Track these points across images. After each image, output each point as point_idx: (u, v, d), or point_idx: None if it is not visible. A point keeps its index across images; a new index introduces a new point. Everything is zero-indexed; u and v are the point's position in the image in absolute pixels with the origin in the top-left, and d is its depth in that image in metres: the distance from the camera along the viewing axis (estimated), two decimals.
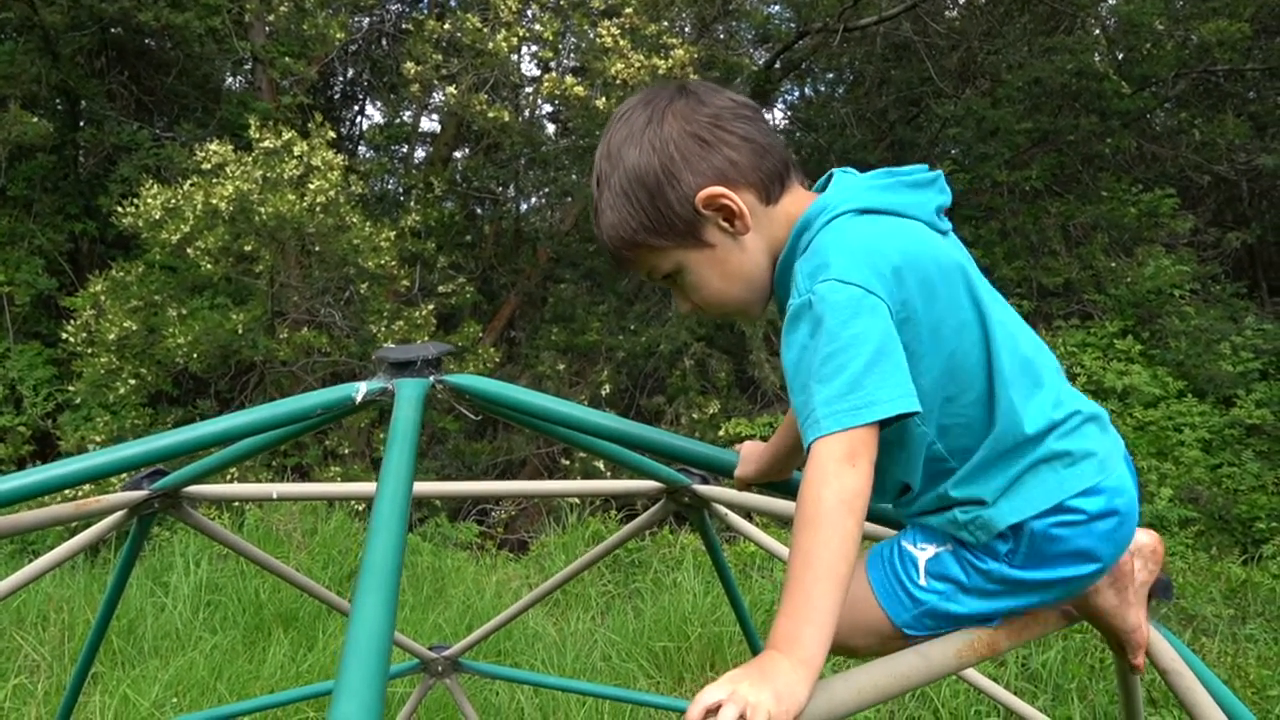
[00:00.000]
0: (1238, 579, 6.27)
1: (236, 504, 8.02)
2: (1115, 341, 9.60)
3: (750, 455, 1.82)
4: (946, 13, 13.76)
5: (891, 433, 1.30)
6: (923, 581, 1.40)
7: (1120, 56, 12.53)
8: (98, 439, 8.70)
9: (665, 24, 10.41)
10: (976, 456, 1.36)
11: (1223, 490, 8.14)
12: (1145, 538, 1.52)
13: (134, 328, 8.97)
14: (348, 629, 1.05)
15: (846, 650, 1.43)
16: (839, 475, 1.19)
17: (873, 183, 1.41)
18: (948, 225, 1.46)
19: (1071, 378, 8.98)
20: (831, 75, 15.26)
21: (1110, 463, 1.38)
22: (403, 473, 1.45)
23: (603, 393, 10.43)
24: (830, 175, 1.46)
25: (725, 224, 1.39)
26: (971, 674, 2.88)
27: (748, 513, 3.51)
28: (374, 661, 1.01)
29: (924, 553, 1.42)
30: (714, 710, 1.08)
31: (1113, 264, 10.84)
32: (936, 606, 1.39)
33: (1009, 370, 1.35)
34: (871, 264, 1.27)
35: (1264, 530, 7.60)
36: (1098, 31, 13.04)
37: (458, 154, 13.73)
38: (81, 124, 11.48)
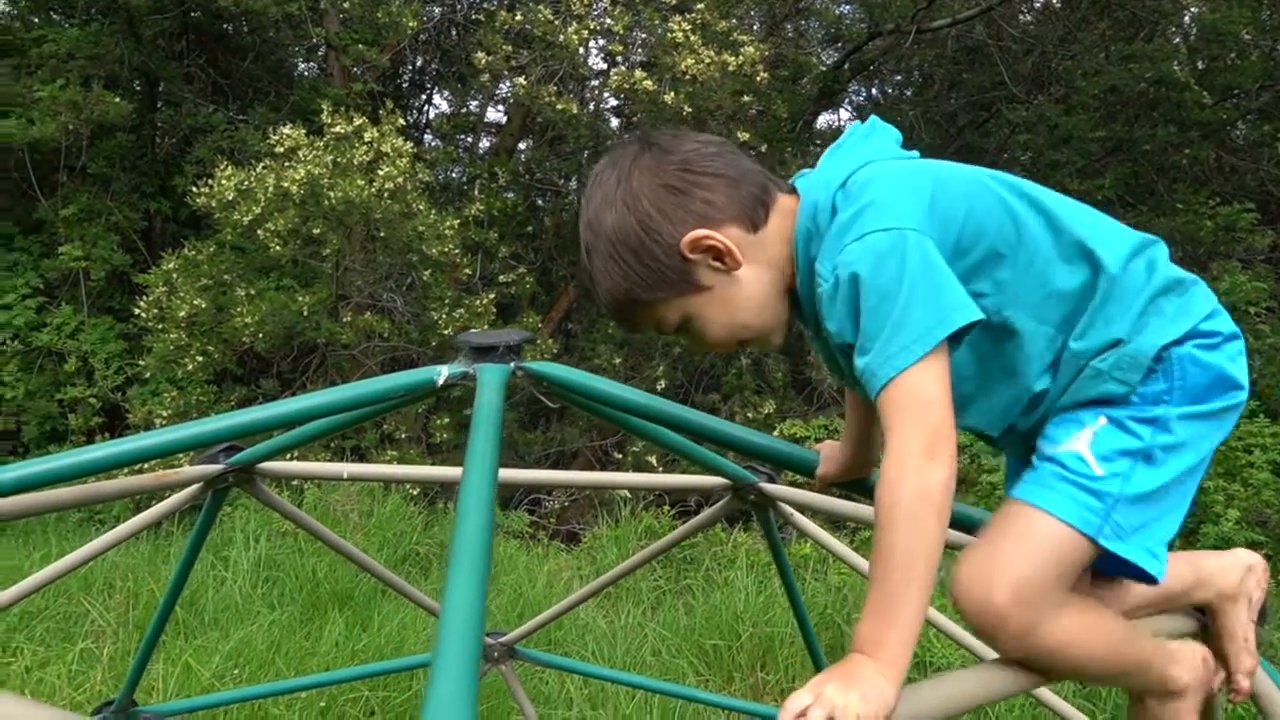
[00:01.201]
0: None
1: (295, 483, 8.17)
2: None
3: (830, 454, 1.81)
4: (1021, 17, 13.52)
5: (986, 341, 1.30)
6: (1098, 470, 1.28)
7: (1202, 66, 12.21)
8: (164, 413, 8.91)
9: (736, 20, 10.37)
10: (1090, 311, 1.33)
11: None
12: (1255, 557, 1.50)
13: (203, 306, 9.16)
14: (442, 608, 1.06)
15: (1040, 617, 1.24)
16: (919, 471, 1.16)
17: (841, 154, 1.43)
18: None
19: None
20: (900, 77, 15.09)
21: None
22: (488, 456, 1.46)
23: (658, 388, 10.42)
24: (792, 184, 1.46)
25: (716, 264, 1.39)
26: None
27: (806, 512, 3.48)
28: (469, 640, 1.02)
29: (1078, 441, 1.31)
30: (803, 714, 1.08)
31: None
32: (1125, 492, 1.28)
33: (1066, 217, 1.35)
34: (882, 207, 1.28)
35: None
36: (1178, 40, 12.73)
37: (522, 145, 13.80)
38: (160, 105, 11.76)
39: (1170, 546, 1.38)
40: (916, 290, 1.21)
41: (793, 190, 1.45)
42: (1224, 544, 7.43)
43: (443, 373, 1.84)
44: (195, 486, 2.62)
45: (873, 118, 1.49)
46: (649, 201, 1.37)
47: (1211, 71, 12.01)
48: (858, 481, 1.81)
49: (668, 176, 1.39)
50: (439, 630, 1.04)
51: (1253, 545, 7.46)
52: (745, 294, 1.41)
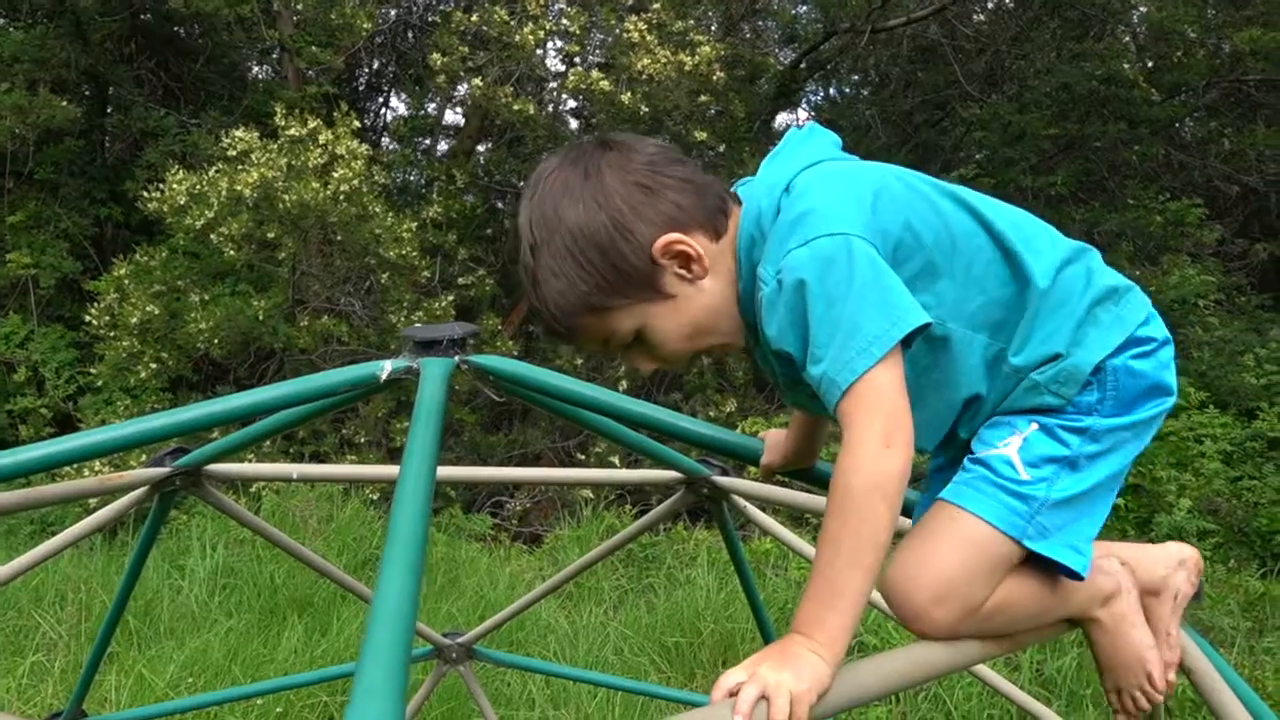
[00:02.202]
0: (1256, 592, 6.21)
1: (253, 490, 8.07)
2: None
3: (774, 443, 1.81)
4: (975, 16, 13.68)
5: (926, 353, 1.30)
6: (1024, 475, 1.29)
7: (1150, 64, 12.43)
8: (118, 422, 8.76)
9: (693, 21, 10.40)
10: (1026, 322, 1.33)
11: (1243, 503, 8.06)
12: (1188, 551, 1.51)
13: (156, 312, 9.02)
14: (375, 594, 1.05)
15: (971, 615, 1.27)
16: (875, 460, 1.17)
17: (781, 160, 1.42)
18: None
19: None
20: (857, 76, 15.21)
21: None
22: (428, 448, 1.45)
23: (620, 387, 10.41)
24: (735, 192, 1.44)
25: (683, 270, 1.34)
26: (987, 673, 2.86)
27: (765, 507, 3.50)
28: (400, 629, 1.01)
29: (1008, 446, 1.32)
30: (735, 691, 1.08)
31: (1137, 272, 10.74)
32: (1050, 496, 1.29)
33: (1001, 224, 1.35)
34: (835, 207, 1.26)
35: None
36: (1128, 38, 12.95)
37: (481, 147, 13.75)
38: (109, 109, 11.57)
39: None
40: (866, 295, 1.20)
41: (738, 200, 1.42)
42: (1176, 533, 7.56)
43: (386, 367, 1.83)
44: (141, 490, 2.57)
45: (811, 123, 1.47)
46: (621, 199, 1.31)
47: (1159, 69, 12.24)
48: (803, 470, 1.81)
49: (638, 175, 1.34)
50: (370, 614, 1.03)
51: (1204, 534, 7.61)
52: (706, 304, 1.37)
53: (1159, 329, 1.39)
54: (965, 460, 1.36)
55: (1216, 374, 9.40)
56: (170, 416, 1.82)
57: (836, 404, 1.21)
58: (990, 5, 13.97)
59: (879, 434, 1.17)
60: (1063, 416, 1.33)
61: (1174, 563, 1.49)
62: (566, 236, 1.31)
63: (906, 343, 1.22)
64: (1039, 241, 1.38)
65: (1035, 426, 1.33)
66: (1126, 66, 11.92)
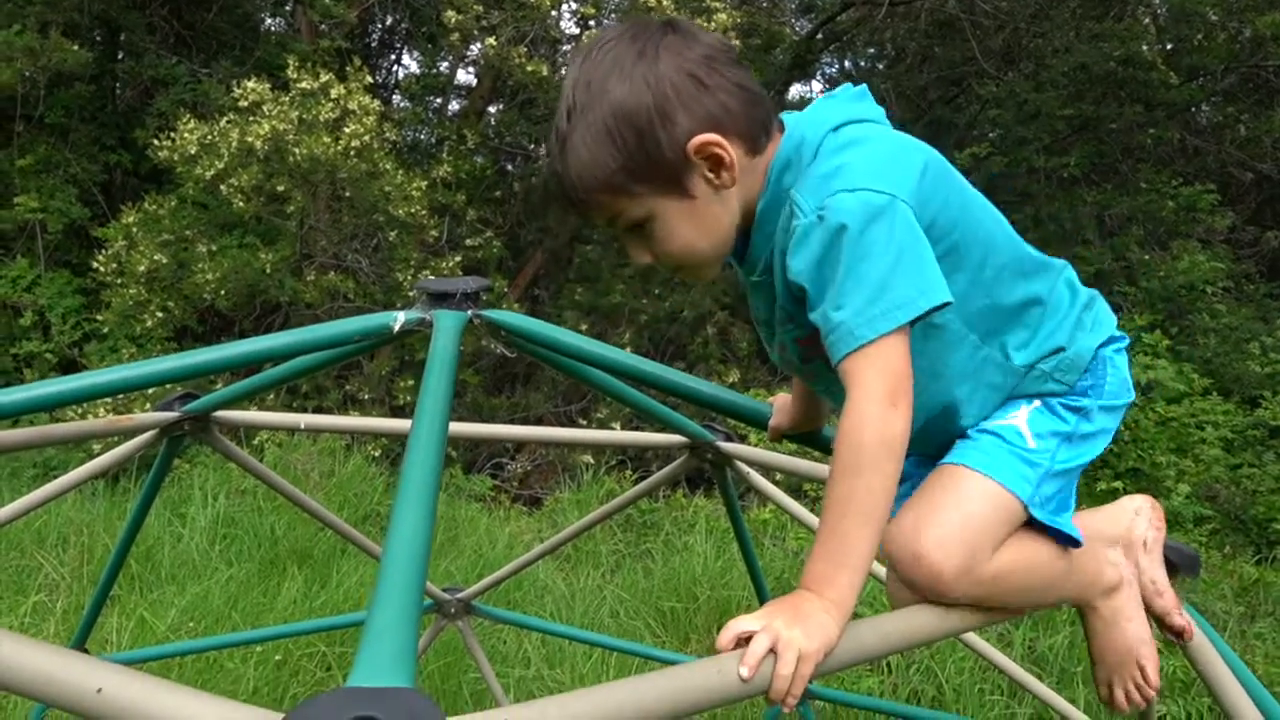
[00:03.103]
0: (1250, 578, 6.24)
1: (255, 442, 8.11)
2: (1143, 335, 9.50)
3: (783, 407, 1.82)
4: None
5: (919, 338, 1.28)
6: (1032, 443, 1.37)
7: (1169, 46, 12.31)
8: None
9: None
10: (1030, 326, 1.42)
11: (1241, 490, 8.08)
12: (1138, 499, 1.58)
13: (164, 261, 9.02)
14: (388, 536, 1.07)
15: (971, 573, 1.28)
16: (882, 418, 1.18)
17: (838, 103, 1.39)
18: None
19: None
20: (873, 50, 15.08)
21: None
22: (440, 398, 1.46)
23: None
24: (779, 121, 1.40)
25: (710, 174, 1.31)
26: (980, 645, 2.89)
27: (769, 475, 3.51)
28: (413, 571, 1.03)
29: (1016, 417, 1.40)
30: (745, 640, 1.10)
31: (1146, 257, 10.72)
32: (1051, 466, 1.37)
33: (1019, 238, 1.46)
34: (874, 167, 1.25)
35: (1279, 532, 7.56)
36: (1148, 20, 12.81)
37: (492, 109, 13.66)
38: (121, 55, 11.49)
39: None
40: (903, 259, 1.20)
41: (782, 127, 1.39)
42: (1174, 518, 7.60)
43: (399, 318, 1.83)
44: (150, 434, 2.59)
45: (864, 87, 1.45)
46: (670, 86, 1.26)
47: (1179, 52, 12.12)
48: (810, 435, 1.82)
49: (693, 66, 1.28)
50: (384, 554, 1.04)
51: (1201, 519, 7.64)
52: (719, 214, 1.33)
53: (1122, 332, 1.55)
54: (970, 432, 1.40)
55: (1221, 361, 9.40)
56: (181, 359, 1.83)
57: (845, 356, 1.21)
58: None
59: (885, 391, 1.18)
60: (1064, 396, 1.43)
61: (1130, 513, 1.55)
62: (606, 111, 1.27)
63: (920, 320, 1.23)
64: (1040, 260, 1.49)
65: (1039, 402, 1.42)
66: (1145, 48, 11.81)
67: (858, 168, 1.25)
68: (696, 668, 1.06)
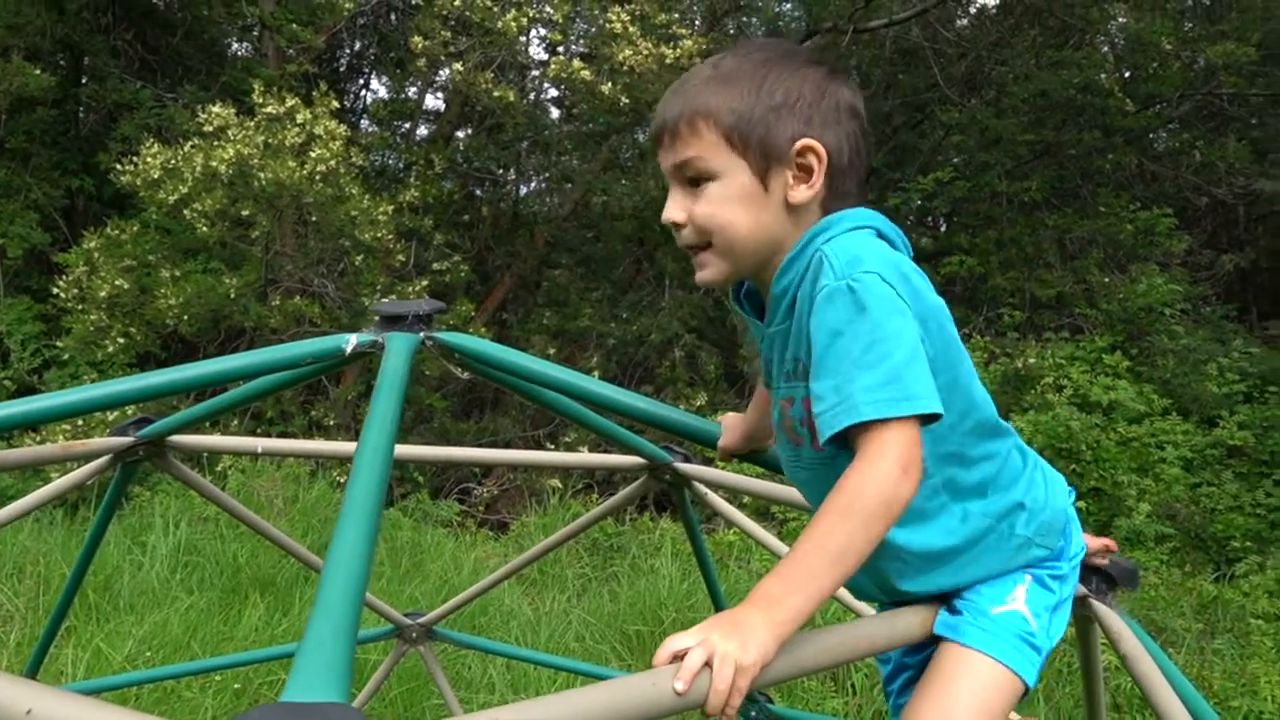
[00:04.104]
0: (1209, 595, 6.32)
1: (219, 469, 8.03)
2: (1104, 356, 9.65)
3: (732, 425, 1.84)
4: (957, 21, 13.78)
5: None
6: (1034, 626, 1.44)
7: (1126, 74, 12.58)
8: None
9: (676, 14, 10.41)
10: (994, 470, 1.44)
11: (1200, 509, 8.19)
12: None
13: (126, 286, 8.95)
14: (328, 554, 1.07)
15: None
16: (894, 479, 1.19)
17: (884, 219, 1.44)
18: None
19: (1057, 390, 9.03)
20: None
21: None
22: (387, 418, 1.46)
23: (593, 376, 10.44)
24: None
25: (792, 180, 1.37)
26: None
27: (733, 499, 3.53)
28: (351, 588, 1.03)
29: (1016, 600, 1.45)
30: (681, 655, 1.11)
31: (1106, 279, 10.89)
32: (1048, 644, 1.45)
33: (986, 395, 1.47)
34: (902, 277, 1.30)
35: (1238, 550, 7.66)
36: (1106, 48, 13.10)
37: (460, 133, 13.70)
38: (84, 80, 11.43)
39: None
40: (915, 360, 1.23)
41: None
42: (1136, 536, 7.69)
43: (351, 341, 1.83)
44: (104, 459, 2.57)
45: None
46: (822, 97, 1.38)
47: (1135, 80, 12.39)
48: (758, 453, 1.84)
49: (846, 104, 1.40)
50: (322, 575, 1.05)
51: (1162, 538, 7.74)
52: (769, 220, 1.37)
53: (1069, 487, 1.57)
54: (977, 609, 1.43)
55: (1180, 382, 9.55)
56: (134, 381, 1.82)
57: (841, 427, 1.22)
58: (973, 10, 14.07)
59: (902, 459, 1.20)
60: (1045, 566, 1.47)
61: None
62: (770, 74, 1.37)
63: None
64: (1003, 424, 1.49)
65: (1030, 579, 1.46)
66: (1103, 76, 12.05)
67: (889, 265, 1.29)
68: (632, 681, 1.07)
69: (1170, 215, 11.17)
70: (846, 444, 1.24)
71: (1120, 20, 13.05)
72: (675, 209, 1.40)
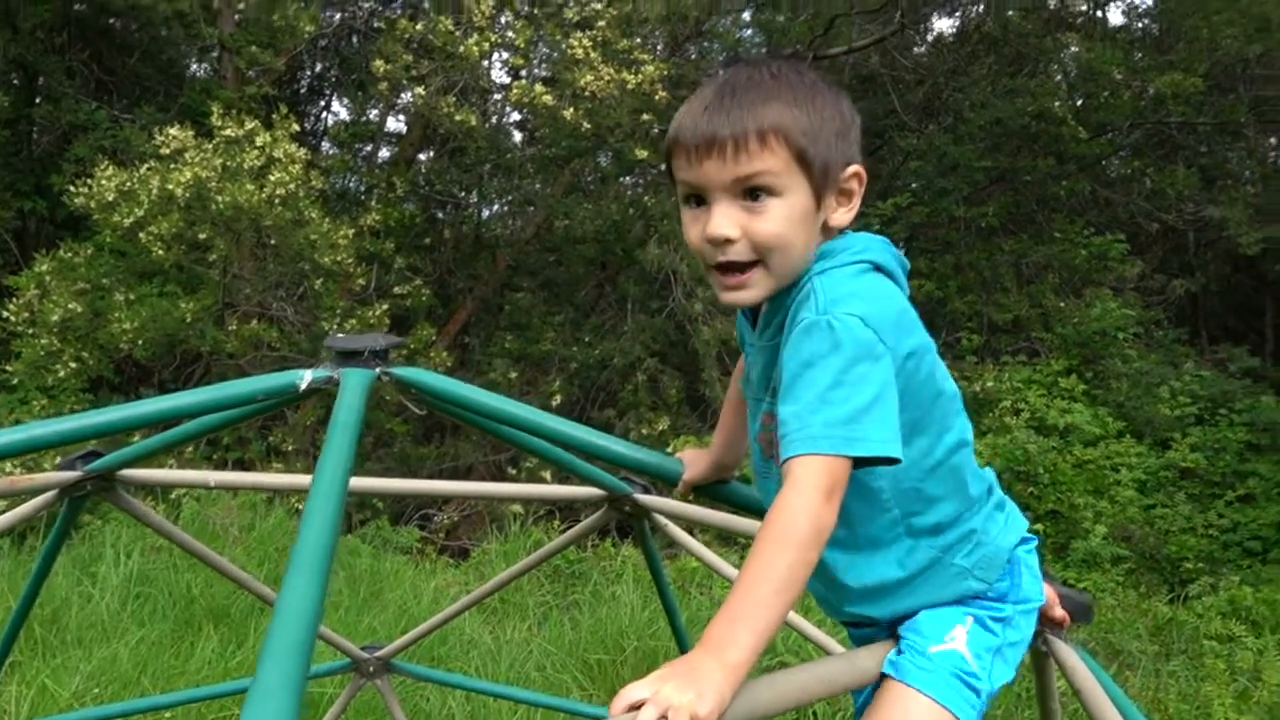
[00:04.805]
0: (1164, 617, 6.41)
1: (173, 496, 7.88)
2: (1060, 380, 9.80)
3: (692, 461, 1.83)
4: (914, 49, 14.01)
5: (858, 485, 1.34)
6: (974, 667, 1.42)
7: (1079, 103, 12.84)
8: (29, 422, 8.49)
9: (638, 40, 10.48)
10: (954, 510, 1.45)
11: (1155, 530, 8.33)
12: None
13: (79, 310, 8.79)
14: (276, 605, 1.05)
15: None
16: (820, 507, 1.22)
17: (885, 247, 1.46)
18: None
19: (1015, 413, 9.14)
20: None
21: None
22: (341, 460, 1.44)
23: (553, 403, 10.40)
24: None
25: (837, 201, 1.42)
26: None
27: (689, 527, 3.52)
28: (301, 635, 1.01)
29: (955, 640, 1.44)
30: (637, 706, 1.09)
31: (1061, 304, 11.07)
32: (990, 688, 1.42)
33: (964, 431, 1.48)
34: (887, 317, 1.33)
35: (1191, 571, 7.78)
36: (1059, 77, 13.37)
37: (422, 156, 13.67)
38: (38, 100, 11.26)
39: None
40: (880, 404, 1.27)
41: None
42: (1092, 558, 7.78)
43: (306, 376, 1.81)
44: (50, 494, 2.51)
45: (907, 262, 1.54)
46: (855, 124, 1.44)
47: (1088, 108, 12.64)
48: (720, 485, 1.83)
49: (860, 127, 1.46)
50: (271, 622, 1.03)
51: (1118, 559, 7.84)
52: (809, 236, 1.40)
53: (1030, 534, 1.55)
54: (916, 647, 1.44)
55: (1134, 405, 9.71)
56: (80, 420, 1.78)
57: (796, 454, 1.25)
58: (930, 38, 14.31)
59: (825, 488, 1.23)
60: (987, 606, 1.47)
61: None
62: (840, 105, 1.43)
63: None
64: (974, 468, 1.50)
65: (971, 620, 1.45)
66: (1057, 104, 12.30)
67: (874, 307, 1.33)
68: None
69: (1123, 241, 11.41)
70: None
71: (1073, 49, 13.34)
72: (727, 224, 1.37)
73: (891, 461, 1.28)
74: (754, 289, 1.40)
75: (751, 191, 1.37)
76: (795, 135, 1.36)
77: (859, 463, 1.26)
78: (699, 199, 1.40)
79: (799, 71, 1.44)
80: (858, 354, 1.27)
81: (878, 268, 1.41)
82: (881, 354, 1.29)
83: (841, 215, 1.43)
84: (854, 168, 1.42)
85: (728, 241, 1.37)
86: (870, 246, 1.43)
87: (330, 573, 1.17)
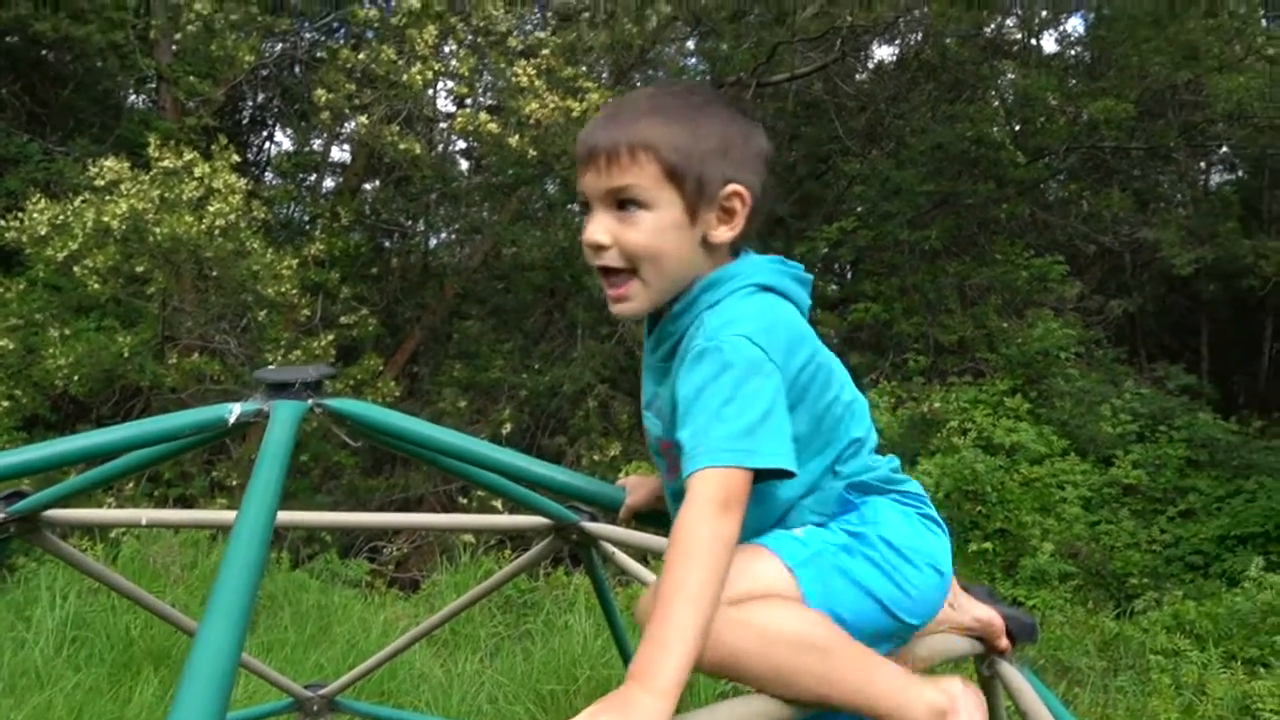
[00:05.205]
0: (1111, 632, 6.48)
1: (112, 535, 7.66)
2: (1005, 399, 9.94)
3: (635, 487, 1.81)
4: (856, 75, 14.24)
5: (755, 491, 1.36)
6: (799, 533, 1.44)
7: (1017, 128, 13.12)
8: None
9: (583, 68, 10.52)
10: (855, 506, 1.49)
11: (1100, 546, 8.45)
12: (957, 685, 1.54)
13: (11, 347, 8.55)
14: (190, 654, 1.00)
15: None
16: (718, 518, 1.25)
17: (772, 266, 1.50)
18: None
19: (962, 433, 9.24)
20: None
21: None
22: (267, 495, 1.40)
23: (504, 431, 10.33)
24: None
25: (716, 220, 1.44)
26: None
27: (642, 555, 3.49)
28: (214, 690, 0.97)
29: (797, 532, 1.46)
30: None
31: (1004, 324, 11.25)
32: (828, 557, 1.41)
33: (856, 429, 1.51)
34: (773, 335, 1.38)
35: (1136, 586, 7.90)
36: (997, 103, 13.66)
37: (368, 185, 13.57)
38: None
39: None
40: (772, 417, 1.31)
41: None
42: (1040, 575, 7.86)
43: (235, 409, 1.76)
44: None
45: (810, 278, 1.56)
46: (750, 145, 1.47)
47: (1025, 133, 12.93)
48: (661, 513, 1.82)
49: (766, 154, 1.49)
50: (183, 675, 0.98)
51: (1065, 576, 7.93)
52: (688, 255, 1.44)
53: (928, 507, 1.55)
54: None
55: (1076, 423, 9.87)
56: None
57: (694, 470, 1.29)
58: (871, 65, 14.56)
59: (721, 500, 1.26)
60: (836, 520, 1.48)
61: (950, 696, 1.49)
62: (714, 116, 1.46)
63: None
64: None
65: (813, 524, 1.48)
66: (995, 129, 12.56)
67: (760, 326, 1.37)
68: None
69: (1062, 262, 11.64)
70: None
71: (1009, 76, 13.65)
72: (600, 231, 1.44)
73: (785, 474, 1.32)
74: (634, 301, 1.46)
75: (623, 203, 1.43)
76: (665, 151, 1.41)
77: (758, 476, 1.30)
78: (588, 205, 1.47)
79: (693, 93, 1.51)
80: (747, 371, 1.32)
81: (767, 288, 1.45)
82: (770, 371, 1.34)
83: (723, 233, 1.45)
84: (733, 186, 1.44)
85: (601, 247, 1.43)
86: (758, 269, 1.48)
87: (251, 613, 1.12)
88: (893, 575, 1.45)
